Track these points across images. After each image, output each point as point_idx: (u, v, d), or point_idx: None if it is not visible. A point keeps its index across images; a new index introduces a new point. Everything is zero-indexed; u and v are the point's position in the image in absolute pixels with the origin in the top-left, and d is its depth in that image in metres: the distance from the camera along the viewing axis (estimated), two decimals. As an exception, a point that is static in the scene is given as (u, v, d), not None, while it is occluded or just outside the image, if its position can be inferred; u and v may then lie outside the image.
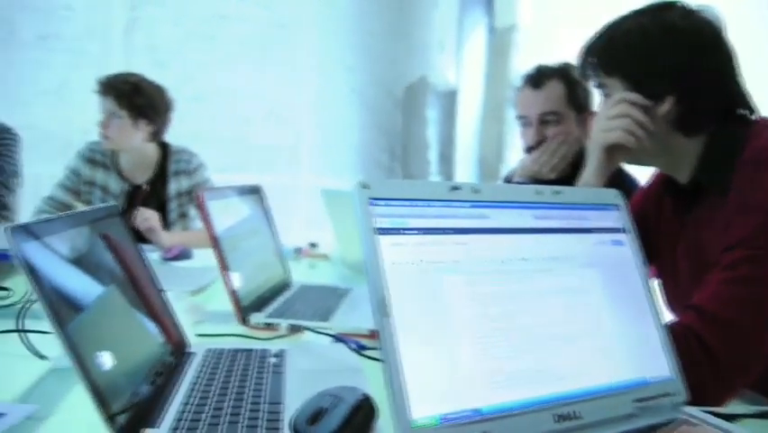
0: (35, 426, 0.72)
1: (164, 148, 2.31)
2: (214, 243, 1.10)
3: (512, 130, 3.24)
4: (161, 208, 2.22)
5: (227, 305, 1.18)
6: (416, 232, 0.67)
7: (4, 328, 1.05)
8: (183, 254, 1.79)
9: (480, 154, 3.82)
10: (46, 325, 0.97)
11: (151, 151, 2.27)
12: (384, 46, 4.47)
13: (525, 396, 0.66)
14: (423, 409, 0.60)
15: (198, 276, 1.50)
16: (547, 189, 0.78)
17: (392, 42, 4.48)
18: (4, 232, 0.58)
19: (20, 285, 1.34)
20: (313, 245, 1.99)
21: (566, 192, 0.79)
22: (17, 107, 2.26)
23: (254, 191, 1.39)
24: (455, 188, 0.71)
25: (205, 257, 1.87)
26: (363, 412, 0.67)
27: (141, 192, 2.19)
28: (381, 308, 0.61)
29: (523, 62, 3.22)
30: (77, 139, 3.39)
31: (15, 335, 1.03)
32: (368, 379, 0.86)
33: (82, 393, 0.81)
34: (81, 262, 0.69)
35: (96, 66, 3.68)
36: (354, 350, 0.95)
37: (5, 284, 1.33)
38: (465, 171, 3.94)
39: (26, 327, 0.97)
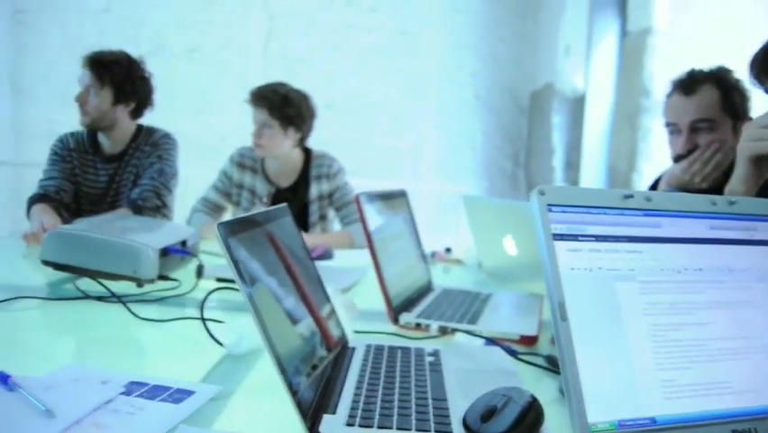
0: (220, 404, 0.79)
1: (307, 153, 2.42)
2: (370, 242, 1.15)
3: (646, 137, 3.12)
4: (303, 211, 2.34)
5: (374, 303, 1.23)
6: (591, 239, 0.67)
7: (176, 316, 1.17)
8: (325, 254, 1.87)
9: (610, 162, 3.70)
10: (215, 314, 1.08)
11: (296, 156, 2.39)
12: (509, 51, 4.44)
13: (700, 409, 0.65)
14: (599, 413, 0.61)
15: (343, 275, 1.56)
16: (722, 200, 0.76)
17: (518, 48, 4.44)
18: (217, 229, 0.66)
19: (185, 276, 1.47)
20: (448, 250, 2.02)
21: (742, 203, 0.77)
22: (165, 115, 2.46)
23: (401, 195, 1.44)
24: (628, 195, 0.71)
25: (344, 258, 1.96)
26: (533, 414, 0.68)
27: (284, 195, 2.32)
28: (559, 311, 0.63)
29: (660, 67, 3.09)
30: (214, 144, 3.64)
31: (190, 322, 1.14)
32: (525, 383, 0.87)
33: (257, 378, 0.89)
34: (250, 258, 0.74)
35: (234, 76, 3.93)
36: (510, 353, 0.96)
37: (174, 276, 1.46)
38: (592, 179, 3.84)
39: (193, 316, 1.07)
